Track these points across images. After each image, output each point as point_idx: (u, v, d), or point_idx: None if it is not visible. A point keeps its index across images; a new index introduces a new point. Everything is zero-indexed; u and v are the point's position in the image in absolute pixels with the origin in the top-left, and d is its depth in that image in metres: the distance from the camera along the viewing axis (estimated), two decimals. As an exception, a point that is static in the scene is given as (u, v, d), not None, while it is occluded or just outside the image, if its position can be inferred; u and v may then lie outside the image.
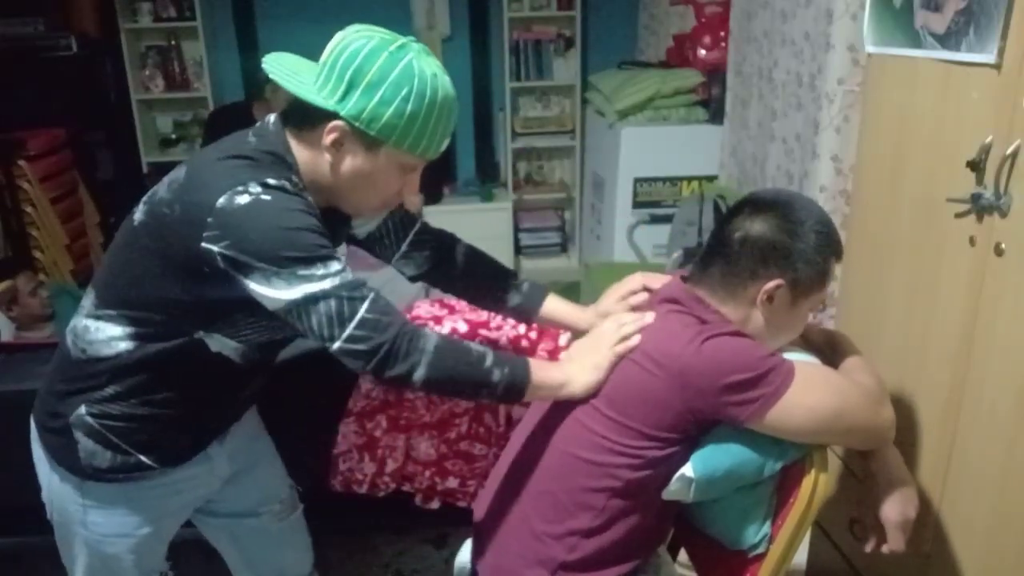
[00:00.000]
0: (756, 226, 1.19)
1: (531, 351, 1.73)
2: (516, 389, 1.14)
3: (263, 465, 1.47)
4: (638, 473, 1.18)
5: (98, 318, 1.18)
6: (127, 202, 1.14)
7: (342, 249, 1.31)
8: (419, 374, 1.08)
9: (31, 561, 2.22)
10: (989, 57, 1.24)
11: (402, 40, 1.10)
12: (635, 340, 1.20)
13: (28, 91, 3.79)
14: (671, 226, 3.24)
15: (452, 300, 1.98)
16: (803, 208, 1.21)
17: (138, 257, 1.14)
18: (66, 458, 1.23)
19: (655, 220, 3.52)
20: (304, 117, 1.12)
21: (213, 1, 4.35)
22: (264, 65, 1.13)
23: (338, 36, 1.11)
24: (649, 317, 1.23)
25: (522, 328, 1.77)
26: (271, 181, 1.07)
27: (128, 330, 1.16)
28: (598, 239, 4.13)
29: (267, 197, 1.05)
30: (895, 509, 1.21)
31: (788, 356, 1.19)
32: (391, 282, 1.70)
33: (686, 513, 1.32)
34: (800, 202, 1.23)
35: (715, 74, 3.41)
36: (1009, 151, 1.21)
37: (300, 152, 1.14)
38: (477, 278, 1.44)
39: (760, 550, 1.25)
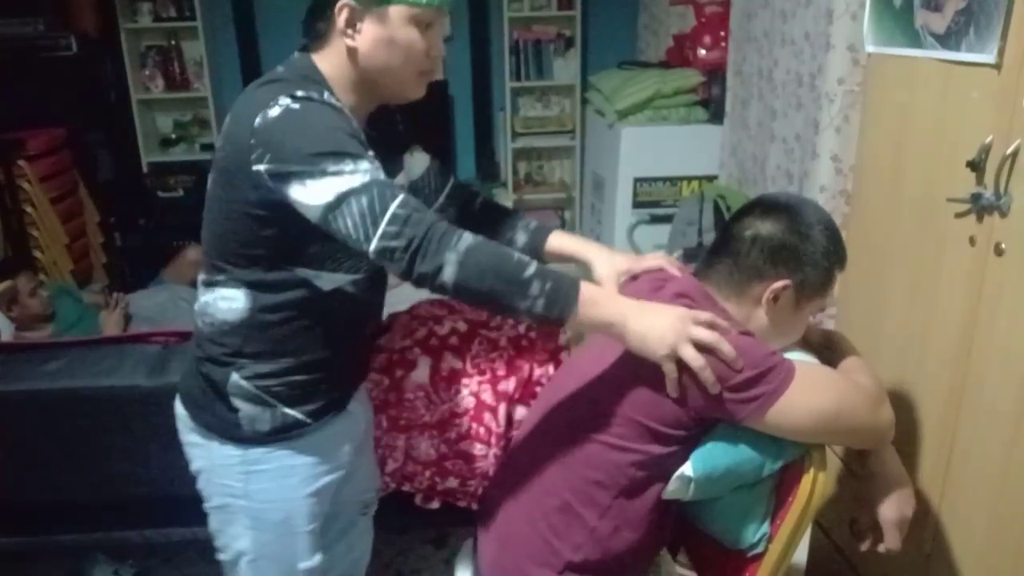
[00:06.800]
0: (767, 226, 1.20)
1: (531, 350, 1.73)
2: (556, 307, 1.06)
3: (368, 450, 1.53)
4: (642, 472, 1.19)
5: (211, 286, 1.23)
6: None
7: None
8: (449, 272, 1.04)
9: (31, 561, 2.23)
10: (989, 57, 1.24)
11: None
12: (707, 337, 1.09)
13: (28, 91, 3.79)
14: (671, 226, 3.24)
15: (452, 300, 1.98)
16: (813, 212, 1.22)
17: (219, 211, 1.19)
18: (228, 429, 1.26)
19: (655, 220, 3.53)
20: (314, 21, 1.18)
21: (213, 1, 4.35)
22: None
23: None
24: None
25: (522, 328, 1.77)
26: (299, 93, 1.11)
27: (240, 288, 1.21)
28: (598, 239, 4.13)
29: (296, 106, 1.09)
30: (892, 509, 1.21)
31: (787, 356, 1.19)
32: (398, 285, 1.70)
33: (686, 513, 1.32)
34: (810, 206, 1.24)
35: (715, 74, 3.41)
36: (1009, 151, 1.21)
37: (325, 65, 1.19)
38: (487, 226, 1.44)
39: (759, 550, 1.25)
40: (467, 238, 1.07)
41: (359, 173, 1.06)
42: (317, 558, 1.37)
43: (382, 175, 1.08)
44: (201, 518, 1.37)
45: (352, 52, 1.18)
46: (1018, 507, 1.26)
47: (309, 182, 1.06)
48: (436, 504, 1.77)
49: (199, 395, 1.29)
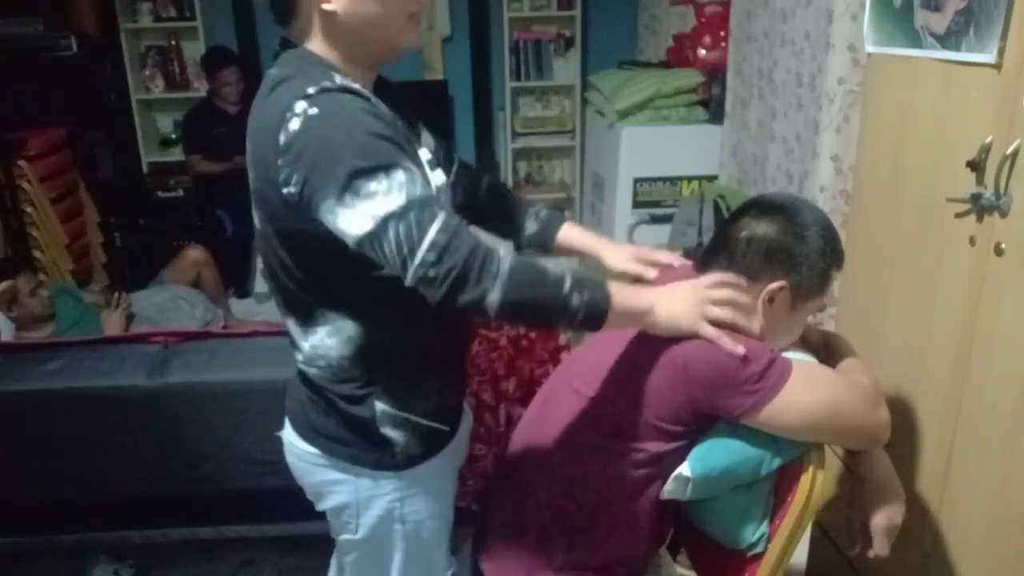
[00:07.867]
0: (762, 227, 1.19)
1: (531, 350, 1.73)
2: (596, 315, 1.06)
3: None
4: (640, 471, 1.19)
5: (309, 327, 1.17)
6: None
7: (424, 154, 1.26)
8: (493, 297, 1.00)
9: (31, 561, 2.23)
10: (989, 57, 1.24)
11: None
12: (720, 313, 1.14)
13: (28, 91, 3.79)
14: (671, 226, 3.24)
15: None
16: (809, 213, 1.22)
17: (279, 245, 1.13)
18: (382, 460, 1.22)
19: (655, 220, 3.52)
20: (284, 6, 1.14)
21: (213, 1, 4.35)
22: None
23: None
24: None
25: (522, 328, 1.77)
26: (311, 90, 1.02)
27: (343, 315, 1.15)
28: (598, 239, 4.13)
29: (314, 111, 1.01)
30: (882, 515, 1.21)
31: (786, 355, 1.19)
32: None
33: (685, 513, 1.32)
34: (806, 207, 1.24)
35: (715, 74, 3.41)
36: (1009, 151, 1.21)
37: (315, 47, 1.13)
38: (497, 214, 1.44)
39: (758, 549, 1.25)
40: (504, 261, 1.02)
41: (394, 191, 0.99)
42: (454, 562, 1.37)
43: (419, 188, 1.01)
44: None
45: (332, 18, 1.10)
46: (1018, 507, 1.26)
47: (340, 211, 0.99)
48: (436, 504, 1.77)
49: (345, 434, 1.22)
